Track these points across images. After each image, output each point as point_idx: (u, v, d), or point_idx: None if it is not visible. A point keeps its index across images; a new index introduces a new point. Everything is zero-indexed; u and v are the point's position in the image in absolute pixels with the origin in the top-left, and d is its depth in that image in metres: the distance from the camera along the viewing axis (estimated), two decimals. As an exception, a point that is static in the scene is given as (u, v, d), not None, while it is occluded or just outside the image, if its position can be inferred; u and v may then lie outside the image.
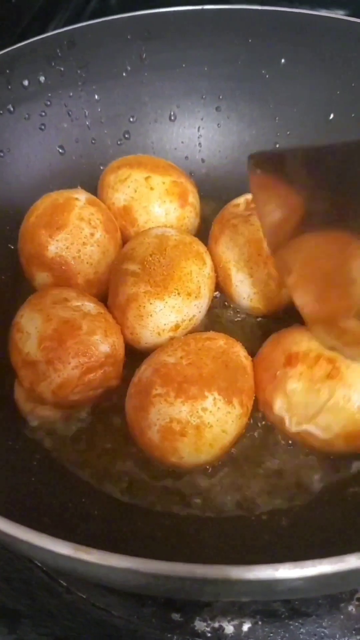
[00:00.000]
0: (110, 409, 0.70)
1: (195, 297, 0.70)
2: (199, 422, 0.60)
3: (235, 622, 0.62)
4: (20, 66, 0.80)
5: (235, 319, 0.79)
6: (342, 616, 0.62)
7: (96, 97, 0.88)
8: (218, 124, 0.93)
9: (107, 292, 0.73)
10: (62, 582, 0.64)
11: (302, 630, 0.61)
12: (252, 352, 0.68)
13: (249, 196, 0.77)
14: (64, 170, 0.88)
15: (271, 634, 0.61)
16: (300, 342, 0.63)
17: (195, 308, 0.71)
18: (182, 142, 0.94)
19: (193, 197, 0.83)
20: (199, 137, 0.94)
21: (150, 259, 0.70)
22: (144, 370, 0.64)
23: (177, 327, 0.70)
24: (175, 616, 0.62)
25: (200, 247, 0.74)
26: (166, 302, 0.68)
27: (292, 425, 0.62)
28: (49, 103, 0.85)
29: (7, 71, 0.80)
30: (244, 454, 0.66)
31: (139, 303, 0.68)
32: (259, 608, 0.62)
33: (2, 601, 0.62)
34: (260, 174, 0.59)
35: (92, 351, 0.64)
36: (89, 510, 0.61)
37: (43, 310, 0.65)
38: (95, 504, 0.62)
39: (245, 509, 0.63)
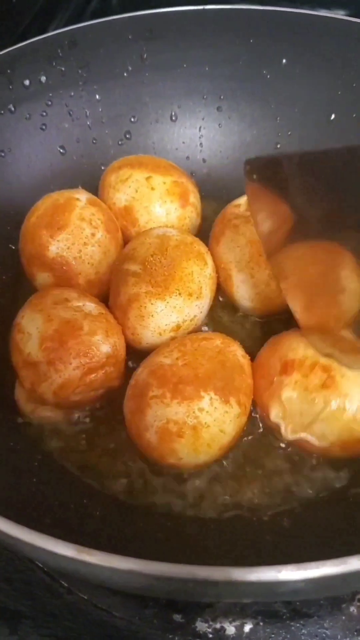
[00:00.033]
0: (111, 410, 0.70)
1: (197, 297, 0.70)
2: (195, 422, 0.59)
3: (237, 623, 0.62)
4: (21, 66, 0.80)
5: (237, 319, 0.79)
6: (343, 617, 0.62)
7: (97, 97, 0.88)
8: (219, 124, 0.93)
9: (108, 292, 0.73)
10: (63, 582, 0.64)
11: (303, 631, 0.61)
12: (254, 353, 0.68)
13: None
14: (65, 170, 0.88)
15: (272, 635, 0.61)
16: (297, 348, 0.63)
17: (196, 308, 0.71)
18: (183, 142, 0.94)
19: (194, 197, 0.83)
20: (200, 137, 0.94)
21: (152, 259, 0.70)
22: (141, 372, 0.64)
23: (178, 327, 0.70)
24: (177, 617, 0.62)
25: (201, 247, 0.74)
26: (167, 303, 0.68)
27: (287, 433, 0.62)
28: (50, 103, 0.85)
29: (8, 71, 0.80)
30: (244, 455, 0.66)
31: (140, 303, 0.68)
32: (260, 609, 0.62)
33: (4, 602, 0.62)
34: (256, 179, 0.59)
35: (93, 352, 0.64)
36: (90, 511, 0.60)
37: (44, 311, 0.65)
38: (96, 505, 0.62)
39: (247, 510, 0.63)
